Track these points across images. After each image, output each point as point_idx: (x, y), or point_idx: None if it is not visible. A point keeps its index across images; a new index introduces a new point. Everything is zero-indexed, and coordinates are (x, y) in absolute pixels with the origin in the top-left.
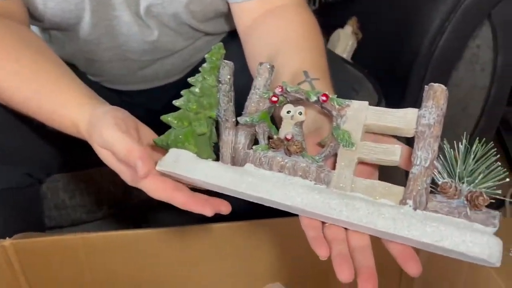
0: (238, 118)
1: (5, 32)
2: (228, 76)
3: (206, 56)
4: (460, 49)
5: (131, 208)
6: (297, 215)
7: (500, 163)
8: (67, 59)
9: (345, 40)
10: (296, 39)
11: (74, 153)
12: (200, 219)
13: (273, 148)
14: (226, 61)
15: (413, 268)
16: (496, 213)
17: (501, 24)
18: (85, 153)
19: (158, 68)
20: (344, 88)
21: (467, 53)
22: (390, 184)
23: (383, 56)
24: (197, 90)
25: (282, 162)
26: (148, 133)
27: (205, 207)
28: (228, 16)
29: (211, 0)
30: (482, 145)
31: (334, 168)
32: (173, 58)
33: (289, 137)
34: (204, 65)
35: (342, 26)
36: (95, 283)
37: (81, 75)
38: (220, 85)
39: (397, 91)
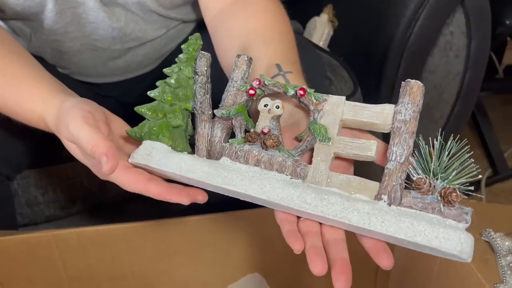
0: (215, 111)
1: None
2: (205, 68)
3: (182, 46)
4: (434, 36)
5: (106, 203)
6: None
7: (473, 160)
8: (35, 52)
9: (321, 28)
10: (266, 31)
11: (45, 148)
12: (176, 212)
13: (250, 142)
14: (203, 52)
15: (384, 260)
16: (469, 209)
17: (474, 10)
18: (57, 148)
19: (129, 59)
20: (319, 77)
21: (441, 40)
22: (366, 179)
23: (359, 43)
24: (172, 81)
25: (258, 156)
26: (120, 125)
27: (182, 196)
28: (194, 8)
29: None
30: (456, 142)
31: (310, 162)
32: (145, 48)
33: (265, 130)
34: (181, 55)
35: (318, 14)
36: (70, 280)
37: (51, 68)
38: (197, 76)
39: (372, 78)
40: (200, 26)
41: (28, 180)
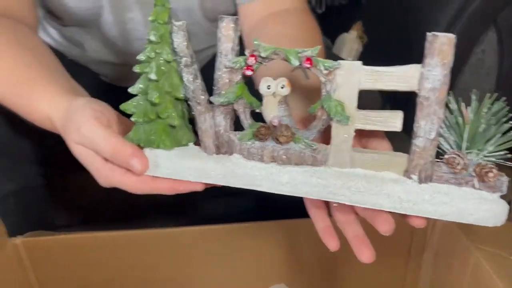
0: (211, 98)
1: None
2: (185, 44)
3: (149, 19)
4: (465, 54)
5: (139, 209)
6: (302, 216)
7: None
8: (85, 62)
9: (350, 44)
10: (298, 38)
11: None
12: (206, 219)
13: (261, 140)
14: (176, 23)
15: (382, 225)
16: (504, 179)
17: (507, 29)
18: None
19: None
20: None
21: (472, 58)
22: (392, 153)
23: (388, 60)
24: (153, 76)
25: (273, 153)
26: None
27: (193, 184)
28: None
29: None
30: (492, 104)
31: (329, 139)
32: None
33: (275, 123)
34: (151, 35)
35: (347, 30)
36: (103, 281)
37: (95, 75)
38: (179, 57)
39: (401, 94)
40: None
41: (67, 183)
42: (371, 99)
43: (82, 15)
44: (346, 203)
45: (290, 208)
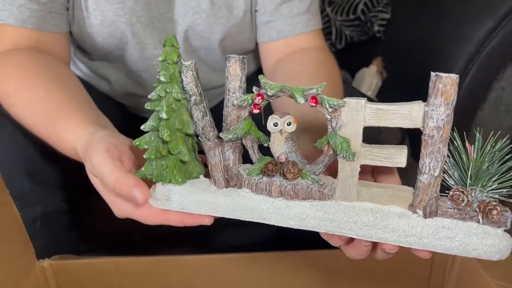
0: (220, 134)
1: (34, 63)
2: (195, 83)
3: (159, 59)
4: (484, 91)
5: (161, 235)
6: (320, 247)
7: None
8: (113, 95)
9: (370, 79)
10: (314, 73)
11: None
12: (234, 247)
13: (269, 175)
14: (185, 63)
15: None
16: (508, 215)
17: None
18: None
19: None
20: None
21: (491, 94)
22: (397, 187)
23: (407, 95)
24: (163, 115)
25: (281, 188)
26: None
27: (202, 217)
28: (254, 55)
29: (241, 38)
30: (496, 143)
31: (335, 172)
32: (206, 95)
33: (282, 159)
34: (161, 75)
35: (367, 65)
36: None
37: (121, 106)
38: (188, 96)
39: (421, 130)
40: (256, 73)
41: (93, 209)
42: (391, 133)
43: (109, 50)
44: (353, 236)
45: (308, 238)
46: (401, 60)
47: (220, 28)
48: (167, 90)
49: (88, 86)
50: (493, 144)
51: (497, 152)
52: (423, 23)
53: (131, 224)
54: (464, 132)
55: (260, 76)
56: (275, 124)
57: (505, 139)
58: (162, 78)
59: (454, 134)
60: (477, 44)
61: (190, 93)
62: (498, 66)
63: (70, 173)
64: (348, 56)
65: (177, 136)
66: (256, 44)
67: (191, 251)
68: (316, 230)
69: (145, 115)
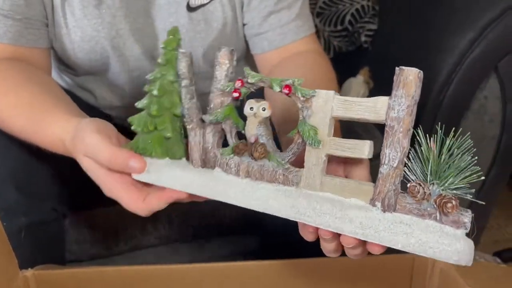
0: (203, 117)
1: (13, 71)
2: (188, 69)
3: (161, 46)
4: (467, 100)
5: (145, 245)
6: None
7: (477, 163)
8: (100, 106)
9: (357, 89)
10: (310, 75)
11: (96, 191)
12: (221, 257)
13: (238, 154)
14: (183, 51)
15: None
16: (468, 214)
17: (508, 76)
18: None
19: None
20: (351, 135)
21: (475, 104)
22: (361, 181)
23: None
24: (155, 92)
25: (248, 168)
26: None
27: (178, 192)
28: (241, 63)
29: None
30: (456, 139)
31: (303, 163)
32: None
33: (252, 140)
34: (159, 59)
35: (354, 75)
36: None
37: (108, 117)
38: (180, 79)
39: None
40: None
41: (79, 220)
42: (376, 143)
43: (91, 65)
44: (311, 224)
45: (296, 247)
46: (387, 70)
47: (201, 42)
48: (162, 72)
49: (74, 97)
50: (454, 140)
51: (456, 149)
52: (408, 35)
53: (117, 234)
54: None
55: (244, 68)
56: (251, 108)
57: (466, 136)
58: (160, 61)
59: (418, 130)
60: (459, 54)
61: (182, 77)
62: (481, 76)
63: (56, 184)
64: (336, 66)
65: (165, 114)
66: (248, 52)
67: (177, 260)
68: (277, 215)
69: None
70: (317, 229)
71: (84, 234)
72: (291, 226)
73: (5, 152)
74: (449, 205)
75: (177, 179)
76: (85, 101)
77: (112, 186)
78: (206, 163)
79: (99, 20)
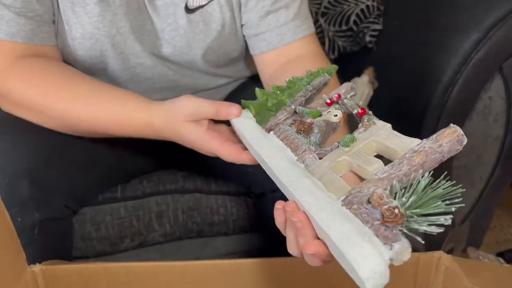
0: (298, 108)
1: (54, 66)
2: (318, 83)
3: (318, 68)
4: (472, 101)
5: (151, 243)
6: None
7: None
8: None
9: (362, 89)
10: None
11: (104, 187)
12: (225, 255)
13: (293, 125)
14: (326, 74)
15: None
16: (402, 240)
17: None
18: (113, 189)
19: None
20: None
21: (479, 104)
22: (353, 186)
23: (397, 105)
24: (287, 80)
25: (287, 135)
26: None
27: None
28: (246, 63)
29: (224, 51)
30: (438, 183)
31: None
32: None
33: (309, 121)
34: (309, 71)
35: (359, 75)
36: None
37: None
38: (308, 85)
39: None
40: (250, 80)
41: (85, 216)
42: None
43: (91, 63)
44: (284, 183)
45: None
46: (392, 70)
47: (199, 44)
48: (304, 78)
49: None
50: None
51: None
52: (413, 35)
53: (123, 230)
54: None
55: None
56: (328, 112)
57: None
58: (309, 72)
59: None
60: (464, 55)
61: (310, 85)
62: (485, 77)
63: (69, 180)
64: (341, 66)
65: (279, 97)
66: (247, 52)
67: (181, 258)
68: (273, 170)
69: None
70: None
71: (91, 231)
72: None
73: (20, 147)
74: (388, 213)
75: (247, 127)
76: None
77: (213, 142)
78: (269, 130)
79: (100, 17)
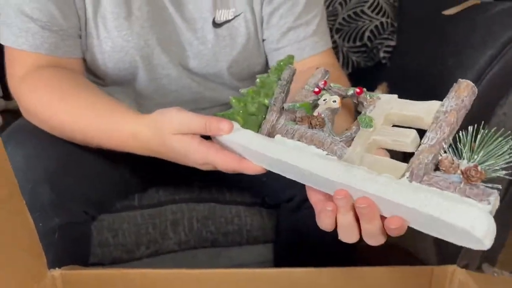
0: (284, 105)
1: (63, 78)
2: (288, 75)
3: (276, 60)
4: (486, 117)
5: (166, 250)
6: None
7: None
8: None
9: None
10: None
11: (122, 194)
12: (239, 265)
13: (300, 123)
14: (291, 65)
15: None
16: (493, 191)
17: None
18: (131, 197)
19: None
20: None
21: (494, 120)
22: (398, 162)
23: None
24: (257, 80)
25: (303, 133)
26: None
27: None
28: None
29: (248, 64)
30: (493, 137)
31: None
32: (219, 109)
33: (316, 113)
34: (272, 66)
35: (373, 90)
36: None
37: None
38: (280, 81)
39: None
40: None
41: (103, 223)
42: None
43: (120, 75)
44: (336, 179)
45: (309, 259)
46: (406, 86)
47: (225, 57)
48: (269, 74)
49: None
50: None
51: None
52: (427, 51)
53: (140, 238)
54: None
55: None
56: (324, 100)
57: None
58: (273, 67)
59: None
60: (479, 71)
61: (282, 79)
62: (500, 93)
63: (88, 186)
64: (355, 81)
65: (257, 98)
66: (267, 66)
67: (195, 267)
68: (312, 172)
69: None
70: (335, 213)
71: (108, 237)
72: (305, 235)
73: (41, 153)
74: (473, 170)
75: (242, 136)
76: None
77: (207, 153)
78: (270, 134)
79: (129, 31)
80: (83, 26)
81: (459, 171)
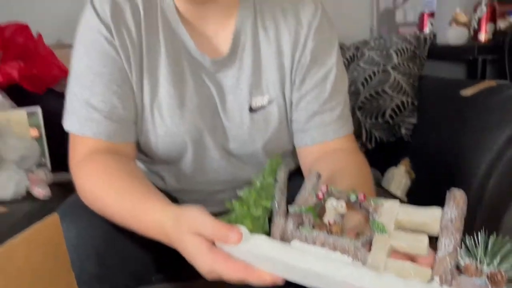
0: (289, 207)
1: (115, 166)
2: (283, 177)
3: (267, 162)
4: (508, 195)
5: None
6: None
7: None
8: (168, 190)
9: (399, 178)
10: (347, 171)
11: (157, 269)
12: None
13: (317, 230)
14: (282, 166)
15: None
16: None
17: None
18: (166, 270)
19: (234, 195)
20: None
21: None
22: (419, 265)
23: (435, 196)
24: (258, 184)
25: (324, 240)
26: None
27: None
28: (293, 155)
29: (280, 142)
30: (506, 243)
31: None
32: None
33: (331, 221)
34: (265, 168)
35: (395, 164)
36: None
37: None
38: (277, 183)
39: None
40: (296, 172)
41: None
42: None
43: (169, 156)
44: (368, 287)
45: None
46: (427, 162)
47: (260, 138)
48: (265, 176)
49: None
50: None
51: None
52: (446, 130)
53: None
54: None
55: (329, 185)
56: (332, 204)
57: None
58: (266, 168)
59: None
60: (498, 151)
61: (278, 181)
62: None
63: (131, 261)
64: (377, 155)
65: (259, 202)
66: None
67: None
68: (347, 281)
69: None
70: None
71: None
72: None
73: (91, 231)
74: (499, 275)
75: (257, 243)
76: (154, 184)
77: (215, 260)
78: (284, 238)
79: (182, 120)
80: (140, 113)
81: (484, 276)
